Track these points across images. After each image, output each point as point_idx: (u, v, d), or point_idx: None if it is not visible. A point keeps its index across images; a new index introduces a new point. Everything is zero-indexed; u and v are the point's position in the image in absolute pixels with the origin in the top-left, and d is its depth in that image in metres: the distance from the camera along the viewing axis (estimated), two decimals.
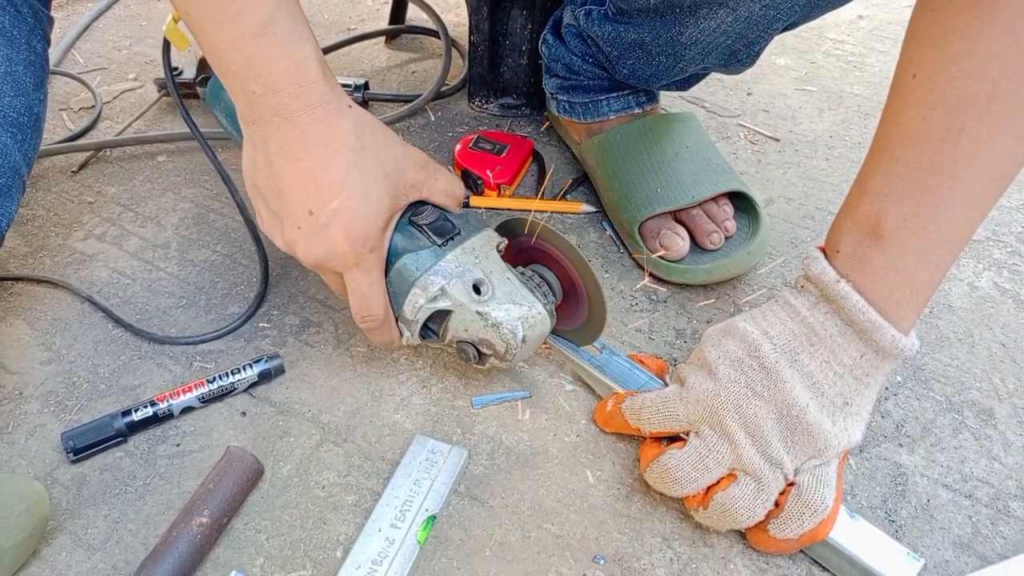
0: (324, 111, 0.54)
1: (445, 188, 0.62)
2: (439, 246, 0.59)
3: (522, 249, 0.65)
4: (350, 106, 0.56)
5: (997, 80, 0.46)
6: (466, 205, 0.86)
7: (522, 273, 0.62)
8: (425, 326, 0.61)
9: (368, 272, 0.58)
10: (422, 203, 0.61)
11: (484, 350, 0.61)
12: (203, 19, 0.52)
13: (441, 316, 0.60)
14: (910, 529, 0.60)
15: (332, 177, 0.54)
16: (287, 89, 0.53)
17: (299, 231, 0.56)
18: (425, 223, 0.60)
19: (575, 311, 0.65)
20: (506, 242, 0.63)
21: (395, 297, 0.60)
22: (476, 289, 0.59)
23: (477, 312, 0.58)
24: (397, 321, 0.61)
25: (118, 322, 0.72)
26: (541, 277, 0.63)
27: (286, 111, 0.53)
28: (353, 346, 0.71)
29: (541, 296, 0.61)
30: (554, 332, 0.65)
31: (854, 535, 0.55)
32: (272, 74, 0.52)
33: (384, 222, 0.58)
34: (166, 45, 0.66)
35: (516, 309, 0.59)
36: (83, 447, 0.61)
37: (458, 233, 0.61)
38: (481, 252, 0.60)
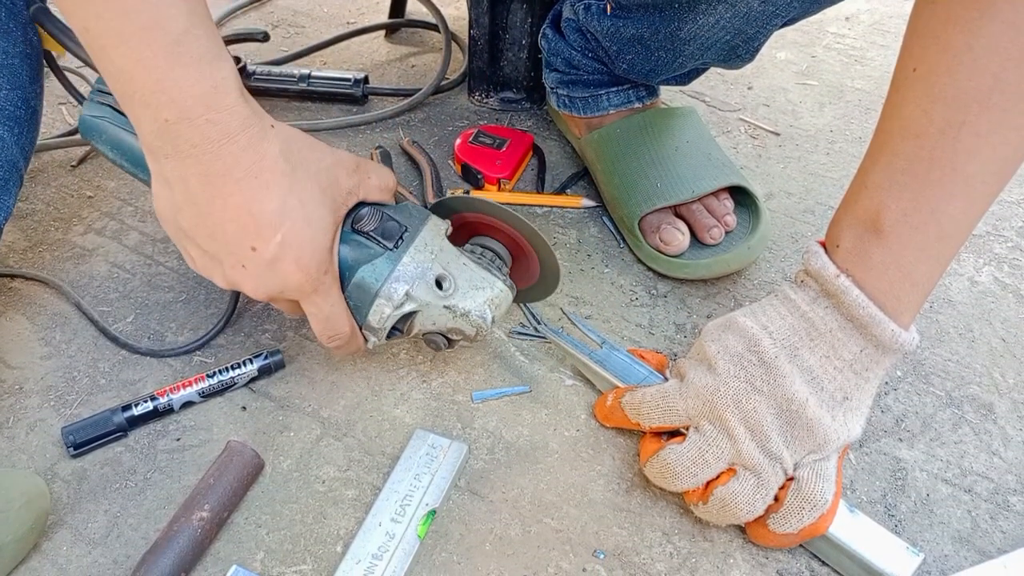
0: (247, 138, 0.50)
1: (379, 184, 0.60)
2: (391, 250, 0.58)
3: (463, 224, 0.65)
4: (272, 125, 0.52)
5: (998, 74, 0.46)
6: None
7: (471, 252, 0.62)
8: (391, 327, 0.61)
9: (327, 294, 0.56)
10: (360, 204, 0.59)
11: (453, 337, 0.61)
12: (105, 36, 0.45)
13: (406, 316, 0.60)
14: (909, 524, 0.60)
15: (269, 208, 0.51)
16: (204, 115, 0.47)
17: (244, 269, 0.53)
18: (370, 229, 0.58)
19: (528, 269, 0.66)
20: (450, 225, 0.62)
21: (357, 310, 0.59)
22: (438, 284, 0.59)
23: (444, 307, 0.59)
24: (361, 329, 0.61)
25: (103, 332, 0.70)
26: (490, 250, 0.63)
27: (205, 141, 0.48)
28: None
29: (497, 271, 0.61)
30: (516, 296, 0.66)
31: (853, 530, 0.55)
32: (187, 99, 0.47)
33: (330, 241, 0.56)
34: (47, 56, 0.62)
35: (480, 294, 0.59)
36: (83, 442, 0.61)
37: (405, 230, 0.59)
38: (434, 245, 0.60)
